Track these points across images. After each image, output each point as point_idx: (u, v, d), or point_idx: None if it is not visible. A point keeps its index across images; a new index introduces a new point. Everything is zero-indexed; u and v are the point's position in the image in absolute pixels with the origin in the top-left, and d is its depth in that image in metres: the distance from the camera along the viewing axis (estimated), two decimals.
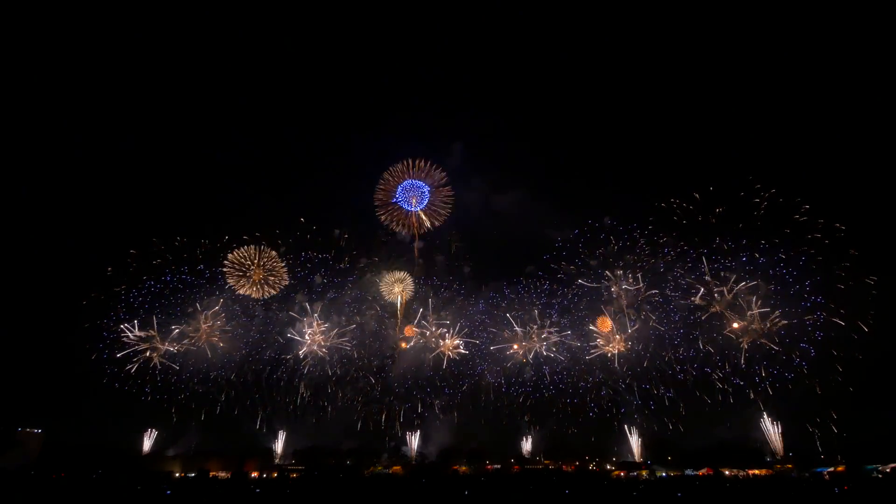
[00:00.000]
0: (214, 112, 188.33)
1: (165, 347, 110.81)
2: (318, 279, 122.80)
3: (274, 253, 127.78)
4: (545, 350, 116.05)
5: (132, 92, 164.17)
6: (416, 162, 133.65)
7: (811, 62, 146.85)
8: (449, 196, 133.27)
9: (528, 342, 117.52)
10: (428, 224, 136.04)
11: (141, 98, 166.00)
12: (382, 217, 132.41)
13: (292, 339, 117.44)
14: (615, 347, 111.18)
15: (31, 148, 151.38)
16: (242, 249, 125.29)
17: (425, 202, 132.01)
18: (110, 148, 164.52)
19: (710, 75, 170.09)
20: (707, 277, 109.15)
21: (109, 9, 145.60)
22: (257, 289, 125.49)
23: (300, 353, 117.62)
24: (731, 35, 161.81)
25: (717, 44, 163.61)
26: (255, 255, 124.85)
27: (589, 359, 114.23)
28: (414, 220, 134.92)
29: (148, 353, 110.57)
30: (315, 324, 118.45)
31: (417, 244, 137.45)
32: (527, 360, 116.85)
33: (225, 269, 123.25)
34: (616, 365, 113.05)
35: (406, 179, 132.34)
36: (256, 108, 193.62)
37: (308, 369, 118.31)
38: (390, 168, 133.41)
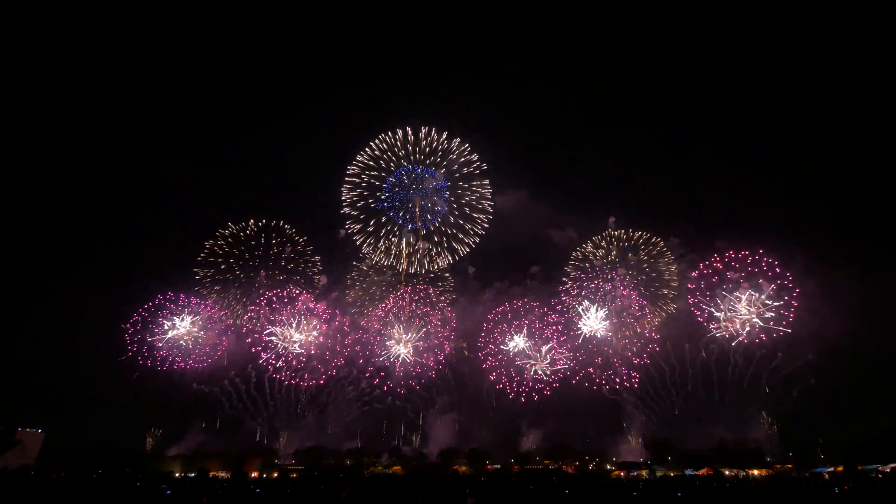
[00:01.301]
0: (214, 111, 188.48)
1: (167, 348, 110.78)
2: (322, 279, 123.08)
3: (289, 230, 73.24)
4: (546, 352, 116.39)
5: (129, 92, 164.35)
6: (421, 133, 69.03)
7: (815, 61, 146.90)
8: (484, 197, 73.13)
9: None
10: (446, 256, 72.20)
11: (135, 100, 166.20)
12: (358, 239, 76.58)
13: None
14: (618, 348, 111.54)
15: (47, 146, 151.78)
16: (236, 227, 74.79)
17: (442, 210, 69.58)
18: (110, 148, 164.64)
19: (713, 74, 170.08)
20: (707, 280, 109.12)
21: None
22: (240, 308, 72.72)
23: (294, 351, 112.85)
24: (732, 34, 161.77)
25: (718, 42, 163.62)
26: (258, 233, 75.18)
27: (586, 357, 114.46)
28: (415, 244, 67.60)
29: (148, 354, 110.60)
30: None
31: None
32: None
33: (199, 275, 77.88)
34: (617, 364, 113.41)
35: (402, 166, 70.17)
36: (255, 106, 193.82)
37: (307, 372, 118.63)
38: (370, 144, 71.54)
